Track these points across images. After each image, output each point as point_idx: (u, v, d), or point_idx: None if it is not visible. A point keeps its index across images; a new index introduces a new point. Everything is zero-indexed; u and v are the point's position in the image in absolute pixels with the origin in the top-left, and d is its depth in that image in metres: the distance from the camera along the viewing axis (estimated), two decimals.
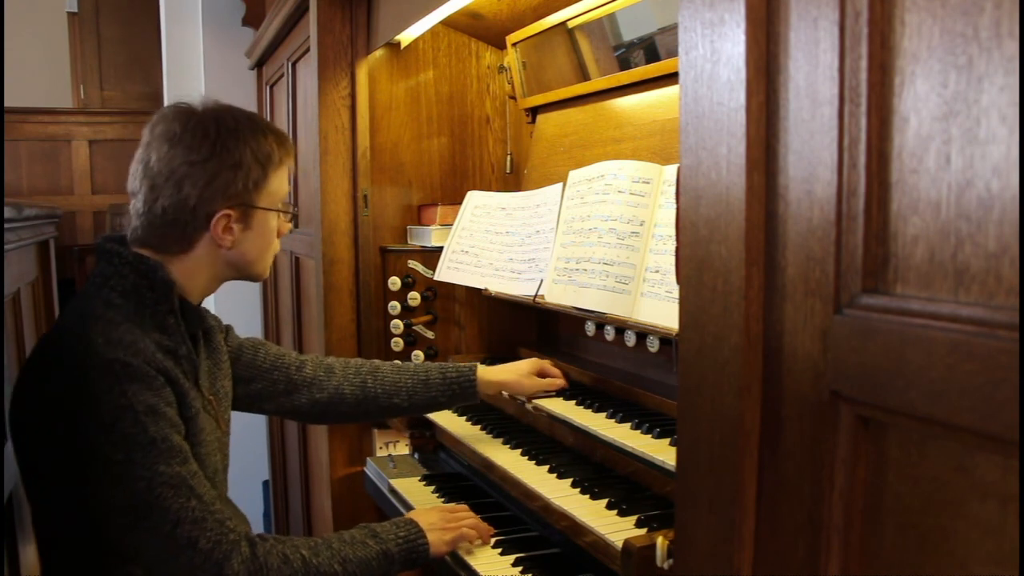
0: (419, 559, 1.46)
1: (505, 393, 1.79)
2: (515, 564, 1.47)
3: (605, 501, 1.38)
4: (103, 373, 1.24)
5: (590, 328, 1.77)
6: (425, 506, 1.67)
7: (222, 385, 1.53)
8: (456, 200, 2.26)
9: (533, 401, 1.77)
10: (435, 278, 2.16)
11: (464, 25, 2.34)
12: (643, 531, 1.27)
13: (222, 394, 1.53)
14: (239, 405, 1.68)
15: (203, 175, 1.36)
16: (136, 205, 1.40)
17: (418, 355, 2.23)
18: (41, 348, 1.37)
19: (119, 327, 1.30)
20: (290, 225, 1.52)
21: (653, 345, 1.55)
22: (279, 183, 1.46)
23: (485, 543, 1.55)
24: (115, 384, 1.24)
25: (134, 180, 1.40)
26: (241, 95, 3.65)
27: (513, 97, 2.34)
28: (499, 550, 1.53)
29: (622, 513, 1.34)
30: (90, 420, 1.23)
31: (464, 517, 1.56)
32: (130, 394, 1.24)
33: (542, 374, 1.80)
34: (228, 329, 1.68)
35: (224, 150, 1.37)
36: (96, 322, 1.30)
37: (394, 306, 2.25)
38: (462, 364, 1.81)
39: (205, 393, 1.45)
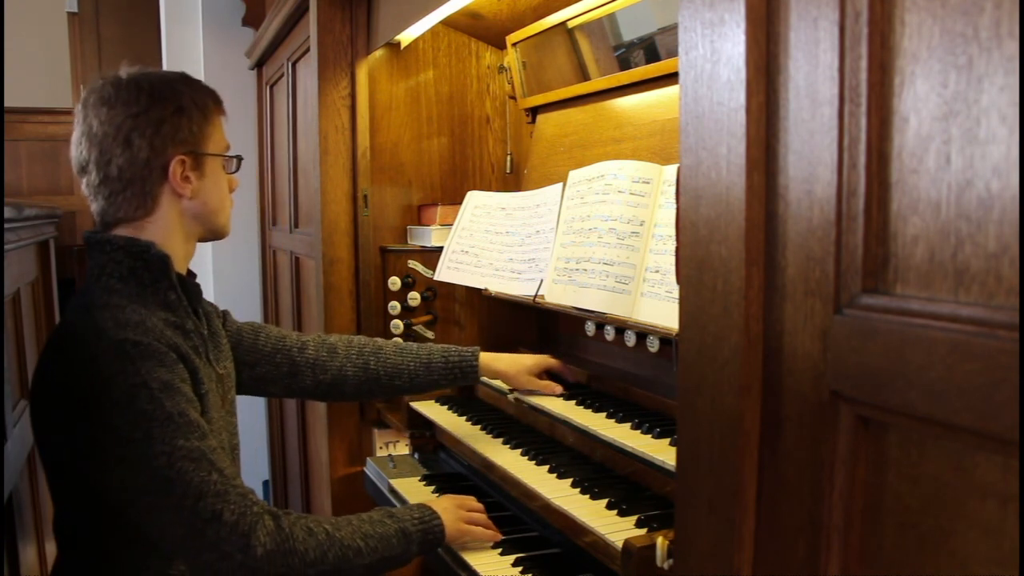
0: (435, 540, 1.47)
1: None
2: (515, 564, 1.47)
3: (605, 501, 1.38)
4: (115, 355, 1.25)
5: (590, 328, 1.77)
6: None
7: (224, 365, 1.54)
8: (456, 200, 2.26)
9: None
10: (435, 278, 2.15)
11: (464, 25, 2.34)
12: (643, 531, 1.27)
13: (224, 372, 1.53)
14: (245, 389, 1.69)
15: (148, 124, 1.37)
16: (90, 179, 1.39)
17: None
18: (52, 344, 1.37)
19: (125, 310, 1.31)
20: (238, 181, 1.54)
21: (653, 345, 1.55)
22: (220, 133, 1.48)
23: (494, 537, 1.55)
24: (128, 364, 1.25)
25: (80, 153, 1.39)
26: (241, 95, 3.65)
27: (513, 97, 2.34)
28: (499, 550, 1.53)
29: (622, 513, 1.34)
30: (107, 402, 1.23)
31: (473, 506, 1.57)
32: (143, 372, 1.25)
33: (544, 374, 1.81)
34: (226, 314, 1.68)
35: (163, 98, 1.39)
36: (102, 309, 1.31)
37: (394, 306, 2.25)
38: (464, 348, 1.82)
39: (216, 367, 1.46)
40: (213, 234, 1.51)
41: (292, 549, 1.28)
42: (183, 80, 1.44)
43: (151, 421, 1.23)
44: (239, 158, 1.53)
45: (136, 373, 1.24)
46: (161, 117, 1.38)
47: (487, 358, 1.80)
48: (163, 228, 1.41)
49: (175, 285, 1.40)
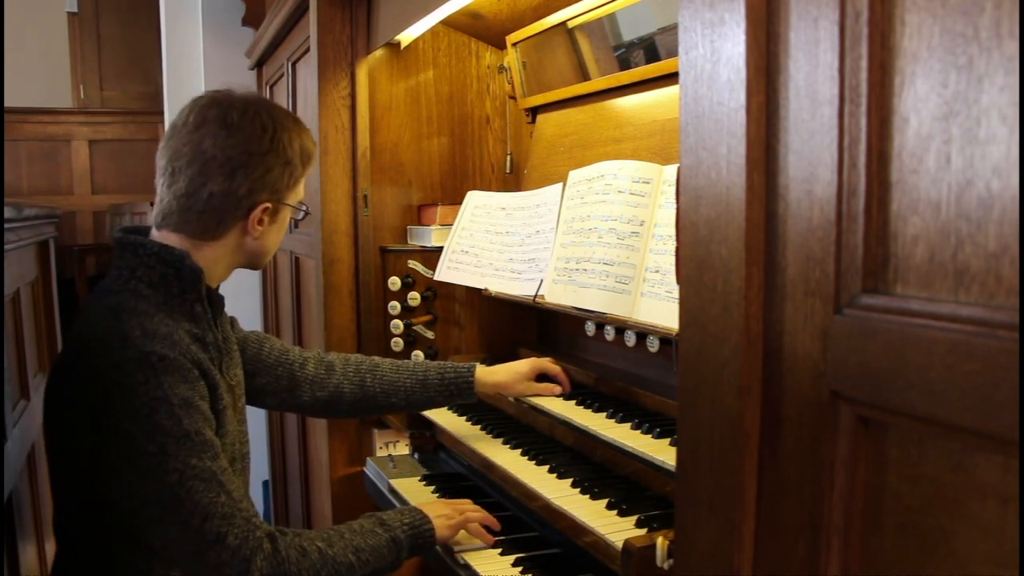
0: (426, 544, 1.48)
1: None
2: (515, 564, 1.47)
3: (605, 501, 1.38)
4: (140, 365, 1.25)
5: (590, 328, 1.77)
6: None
7: (235, 374, 1.54)
8: (456, 200, 2.26)
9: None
10: (435, 278, 2.15)
11: (464, 25, 2.34)
12: (643, 531, 1.27)
13: (235, 382, 1.54)
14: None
15: (260, 167, 1.38)
16: (177, 186, 1.37)
17: (418, 355, 2.23)
18: (73, 344, 1.37)
19: (153, 318, 1.31)
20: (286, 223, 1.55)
21: (653, 345, 1.55)
22: (302, 185, 1.50)
23: (494, 528, 1.56)
24: (152, 376, 1.25)
25: (178, 159, 1.37)
26: None
27: (513, 97, 2.34)
28: (499, 550, 1.53)
29: (622, 513, 1.34)
30: (125, 412, 1.24)
31: (467, 507, 1.58)
32: (166, 386, 1.25)
33: (541, 375, 1.81)
34: (233, 320, 1.68)
35: (280, 145, 1.40)
36: (130, 315, 1.30)
37: (394, 306, 2.25)
38: (461, 365, 1.81)
39: (228, 378, 1.47)
40: (252, 268, 1.53)
41: (286, 572, 1.30)
42: (296, 125, 1.45)
43: (167, 436, 1.24)
44: (308, 212, 1.53)
45: (159, 386, 1.25)
46: (271, 165, 1.39)
47: (483, 373, 1.80)
48: (216, 254, 1.42)
49: (203, 298, 1.40)
